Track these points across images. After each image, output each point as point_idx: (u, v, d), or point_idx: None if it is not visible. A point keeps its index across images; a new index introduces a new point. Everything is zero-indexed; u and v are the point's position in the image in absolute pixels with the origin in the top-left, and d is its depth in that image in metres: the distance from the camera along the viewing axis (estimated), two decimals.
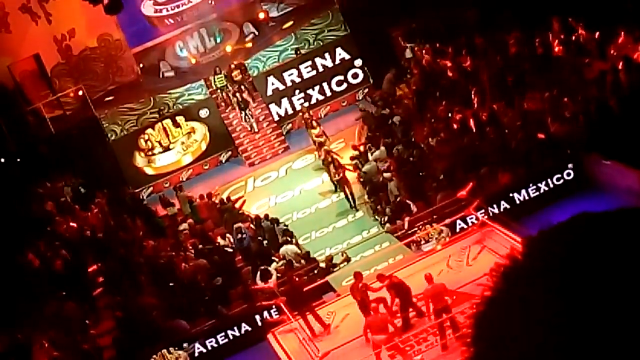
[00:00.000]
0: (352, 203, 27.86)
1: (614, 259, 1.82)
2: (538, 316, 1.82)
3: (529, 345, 1.84)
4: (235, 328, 24.16)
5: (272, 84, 34.17)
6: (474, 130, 26.17)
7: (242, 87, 33.34)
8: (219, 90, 33.58)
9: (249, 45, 35.17)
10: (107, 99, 34.62)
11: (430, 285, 20.20)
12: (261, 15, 35.97)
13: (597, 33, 25.67)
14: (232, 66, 33.38)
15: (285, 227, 27.16)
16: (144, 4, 35.54)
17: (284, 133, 33.92)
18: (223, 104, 33.67)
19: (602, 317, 1.77)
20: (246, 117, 33.07)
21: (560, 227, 1.95)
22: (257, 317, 24.07)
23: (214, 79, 33.42)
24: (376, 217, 26.93)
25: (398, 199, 25.77)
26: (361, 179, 27.98)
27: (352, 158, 28.94)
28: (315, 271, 24.99)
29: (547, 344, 1.81)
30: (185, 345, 23.90)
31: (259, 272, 24.59)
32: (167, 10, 35.46)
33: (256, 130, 33.12)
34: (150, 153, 33.70)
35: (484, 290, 1.99)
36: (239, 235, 26.79)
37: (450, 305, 20.24)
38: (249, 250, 26.56)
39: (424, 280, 20.47)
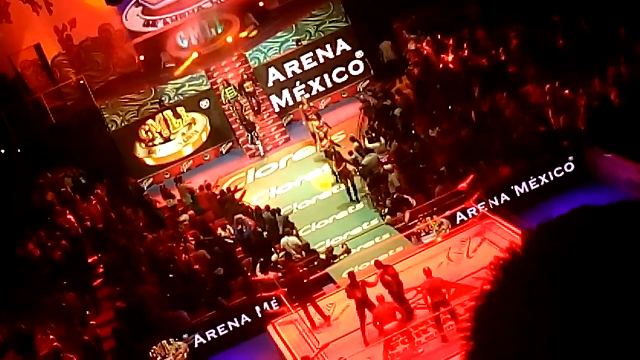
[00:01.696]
0: (353, 196, 27.82)
1: (615, 253, 1.82)
2: (538, 310, 1.82)
3: (529, 339, 1.83)
4: (235, 319, 24.19)
5: (273, 75, 34.14)
6: (475, 123, 26.15)
7: (253, 99, 33.20)
8: (229, 102, 33.30)
9: (250, 36, 35.11)
10: (110, 90, 34.59)
11: (429, 279, 20.21)
12: (261, 5, 35.91)
13: (599, 26, 25.64)
14: (245, 77, 33.29)
15: (285, 219, 27.14)
16: (127, 14, 35.19)
17: (285, 124, 33.91)
18: (234, 115, 33.38)
19: (603, 311, 1.76)
20: (253, 139, 32.61)
21: (561, 221, 1.95)
22: (257, 308, 24.09)
23: (225, 91, 33.11)
24: (376, 208, 26.92)
25: (395, 196, 25.73)
26: (360, 172, 27.91)
27: (350, 152, 28.88)
28: (316, 263, 25.00)
29: (547, 338, 1.81)
30: (185, 336, 23.92)
31: (259, 264, 24.59)
32: (161, 23, 35.33)
33: (262, 154, 32.65)
34: (150, 144, 33.69)
35: (483, 284, 1.99)
36: (239, 227, 26.79)
37: (449, 299, 20.26)
38: (249, 242, 26.56)
39: (423, 274, 20.48)
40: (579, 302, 1.80)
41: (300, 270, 23.75)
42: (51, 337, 23.44)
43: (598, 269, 1.81)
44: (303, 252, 25.35)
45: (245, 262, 26.06)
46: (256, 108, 33.32)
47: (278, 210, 27.35)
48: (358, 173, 27.95)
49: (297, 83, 34.25)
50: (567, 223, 1.94)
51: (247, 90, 33.12)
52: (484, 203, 23.75)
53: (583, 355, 1.77)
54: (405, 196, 25.56)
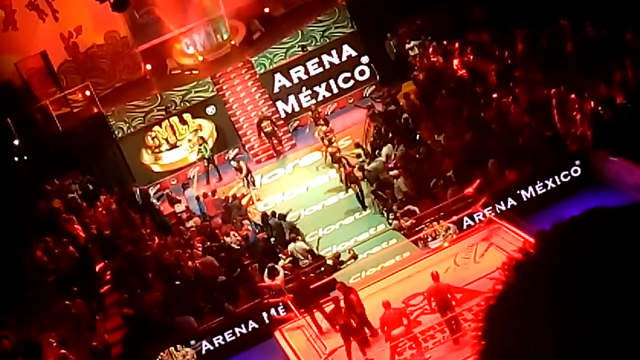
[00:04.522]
0: (362, 201, 27.77)
1: (629, 254, 1.82)
2: (551, 310, 1.82)
3: (541, 339, 1.84)
4: (243, 325, 24.17)
5: (279, 81, 34.15)
6: (481, 127, 26.14)
7: (273, 139, 32.57)
8: (205, 161, 32.69)
9: (256, 42, 35.16)
10: (116, 97, 34.66)
11: (435, 283, 20.24)
12: (267, 12, 35.94)
13: (605, 30, 25.62)
14: (261, 114, 32.88)
15: (292, 224, 27.14)
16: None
17: (291, 130, 33.92)
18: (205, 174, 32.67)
19: (616, 311, 1.77)
20: (248, 183, 30.91)
21: (574, 222, 1.95)
22: (264, 314, 24.08)
23: (203, 147, 32.58)
24: (383, 214, 26.91)
25: (399, 212, 25.67)
26: (366, 177, 27.91)
27: (358, 155, 28.92)
28: (323, 268, 24.99)
29: (559, 339, 1.81)
30: (192, 342, 23.93)
31: (266, 270, 24.59)
32: None
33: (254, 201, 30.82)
34: (157, 150, 33.71)
35: (495, 284, 2.00)
36: (245, 233, 26.79)
37: (456, 304, 20.26)
38: (255, 248, 26.53)
39: (431, 278, 20.50)
40: (592, 302, 1.80)
41: (307, 277, 23.77)
42: (58, 344, 23.44)
43: (613, 270, 1.81)
44: (310, 257, 25.35)
45: (252, 268, 26.04)
46: (278, 147, 32.61)
47: (285, 216, 27.36)
48: (365, 178, 27.95)
49: (303, 89, 34.26)
50: (581, 225, 1.94)
51: (265, 130, 32.47)
52: (490, 208, 23.73)
53: (597, 356, 1.77)
54: (411, 207, 25.49)
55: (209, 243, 27.26)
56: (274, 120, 32.77)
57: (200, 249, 27.14)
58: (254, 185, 30.81)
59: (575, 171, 24.27)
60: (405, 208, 25.50)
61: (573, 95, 24.38)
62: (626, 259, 1.81)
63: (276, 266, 24.84)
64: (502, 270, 1.98)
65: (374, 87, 34.29)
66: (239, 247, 26.74)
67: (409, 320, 20.28)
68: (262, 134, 32.64)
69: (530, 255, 1.94)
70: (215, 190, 30.59)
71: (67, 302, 24.81)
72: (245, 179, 30.82)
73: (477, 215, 23.96)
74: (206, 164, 32.81)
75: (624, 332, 1.75)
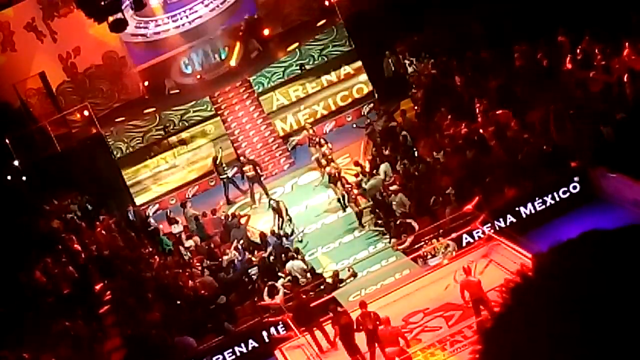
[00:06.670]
0: (359, 220, 27.75)
1: (626, 277, 1.82)
2: (548, 333, 1.82)
3: None
4: (243, 344, 24.10)
5: (277, 99, 34.22)
6: (480, 144, 26.14)
7: (256, 184, 31.80)
8: (226, 179, 32.55)
9: (254, 61, 35.23)
10: (114, 117, 34.68)
11: (467, 277, 20.30)
12: (266, 32, 36.05)
13: (602, 46, 25.67)
14: (244, 160, 32.58)
15: (289, 243, 27.09)
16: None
17: (289, 149, 33.93)
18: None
19: (613, 335, 1.77)
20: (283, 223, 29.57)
21: (571, 245, 1.95)
22: (264, 333, 24.02)
23: (222, 169, 32.45)
24: (382, 232, 26.88)
25: (399, 222, 25.67)
26: (364, 195, 27.89)
27: (356, 175, 28.90)
28: (322, 287, 24.95)
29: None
30: None
31: (266, 288, 24.56)
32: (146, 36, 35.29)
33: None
34: (156, 170, 33.73)
35: (493, 307, 2.00)
36: (233, 257, 26.57)
37: (456, 321, 20.23)
38: (243, 272, 26.37)
39: (462, 271, 20.60)
40: (589, 326, 1.80)
41: (307, 295, 23.72)
42: None
43: (610, 292, 1.81)
44: (309, 276, 25.31)
45: (252, 287, 25.99)
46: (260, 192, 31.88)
47: (286, 235, 27.35)
48: (364, 197, 27.94)
49: (302, 107, 34.32)
50: (578, 247, 1.94)
51: (247, 174, 31.77)
52: (489, 225, 23.71)
53: None
54: (409, 221, 25.48)
55: (208, 262, 27.23)
56: (257, 163, 32.32)
57: (199, 268, 27.09)
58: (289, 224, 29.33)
59: (574, 187, 24.24)
60: (406, 221, 25.49)
61: (571, 112, 24.41)
62: (623, 281, 1.81)
63: (276, 285, 24.80)
64: (500, 292, 1.98)
65: (372, 105, 34.33)
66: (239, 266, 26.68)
67: (406, 341, 20.16)
68: (245, 178, 32.13)
69: (528, 277, 1.95)
70: (215, 210, 30.55)
71: (66, 323, 24.75)
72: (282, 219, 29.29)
73: (477, 233, 23.93)
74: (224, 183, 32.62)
75: (623, 355, 1.75)
